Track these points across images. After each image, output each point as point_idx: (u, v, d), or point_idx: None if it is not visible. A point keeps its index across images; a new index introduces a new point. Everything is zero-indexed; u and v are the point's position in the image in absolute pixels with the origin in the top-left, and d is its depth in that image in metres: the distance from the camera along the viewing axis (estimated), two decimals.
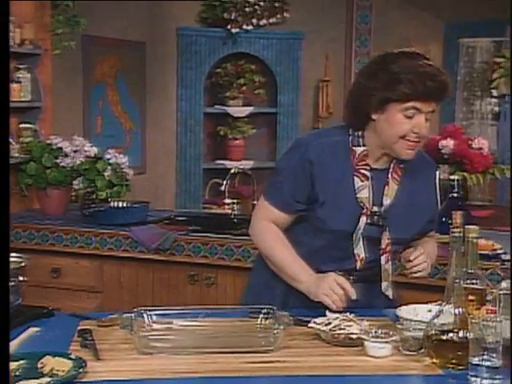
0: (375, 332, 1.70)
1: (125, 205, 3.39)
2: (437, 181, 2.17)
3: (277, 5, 5.68)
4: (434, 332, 1.62)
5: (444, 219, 2.79)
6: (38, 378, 1.48)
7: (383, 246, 2.01)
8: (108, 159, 3.48)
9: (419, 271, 2.01)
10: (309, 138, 2.06)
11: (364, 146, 2.00)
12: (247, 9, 5.56)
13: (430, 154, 3.64)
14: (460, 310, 1.62)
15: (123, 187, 3.48)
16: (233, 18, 5.55)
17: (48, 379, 1.48)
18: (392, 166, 2.02)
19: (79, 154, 3.44)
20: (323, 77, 6.12)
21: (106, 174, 3.43)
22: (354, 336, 1.72)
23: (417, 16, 6.43)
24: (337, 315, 1.81)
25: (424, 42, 6.59)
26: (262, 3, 5.61)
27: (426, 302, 1.84)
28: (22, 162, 3.47)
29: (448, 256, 1.67)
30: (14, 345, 1.70)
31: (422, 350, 1.67)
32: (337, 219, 1.98)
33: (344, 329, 1.75)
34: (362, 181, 1.98)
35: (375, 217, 1.99)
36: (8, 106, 1.60)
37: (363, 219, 1.98)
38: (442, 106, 7.03)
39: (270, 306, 1.83)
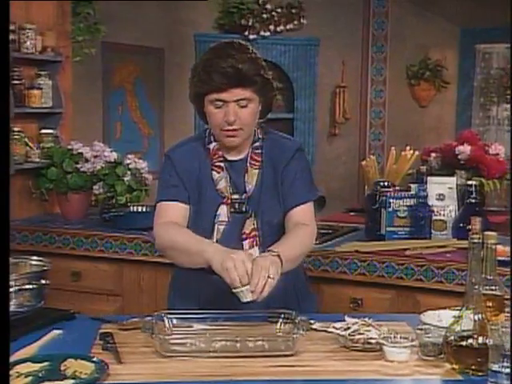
0: (394, 337, 1.71)
1: (144, 209, 3.42)
2: (295, 157, 2.11)
3: (294, 11, 5.70)
4: (453, 338, 1.62)
5: (462, 225, 2.80)
6: (61, 380, 1.50)
7: (246, 231, 2.05)
8: (127, 164, 3.51)
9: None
10: (170, 150, 2.17)
11: (216, 141, 2.09)
12: (264, 15, 5.59)
13: (447, 159, 3.68)
14: (479, 316, 1.61)
15: (142, 192, 3.51)
16: (250, 24, 5.59)
17: (71, 381, 1.50)
18: (249, 153, 2.09)
19: (99, 159, 3.47)
20: (340, 83, 6.13)
21: (125, 178, 3.46)
22: (372, 341, 1.73)
23: (433, 22, 6.43)
24: (356, 320, 1.82)
25: (440, 48, 6.59)
26: (279, 10, 5.64)
27: (445, 308, 1.85)
28: (42, 166, 3.51)
29: (467, 261, 1.68)
30: (37, 346, 1.73)
31: (442, 356, 1.67)
32: (199, 209, 2.06)
33: (363, 333, 1.76)
34: (219, 172, 2.07)
35: (237, 204, 2.05)
36: (8, 109, 1.62)
37: (223, 207, 2.04)
38: (458, 112, 7.06)
39: (288, 311, 1.85)
